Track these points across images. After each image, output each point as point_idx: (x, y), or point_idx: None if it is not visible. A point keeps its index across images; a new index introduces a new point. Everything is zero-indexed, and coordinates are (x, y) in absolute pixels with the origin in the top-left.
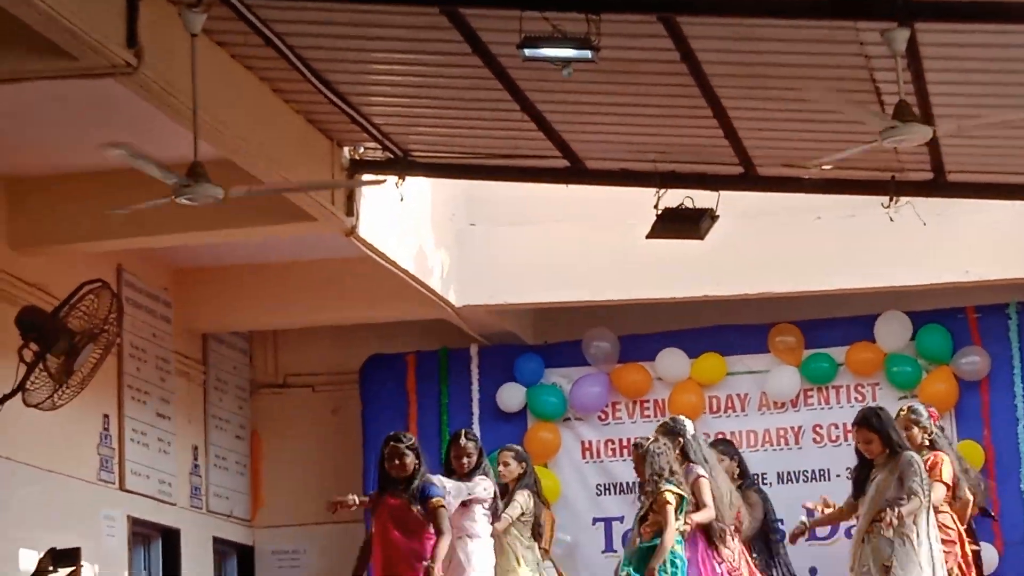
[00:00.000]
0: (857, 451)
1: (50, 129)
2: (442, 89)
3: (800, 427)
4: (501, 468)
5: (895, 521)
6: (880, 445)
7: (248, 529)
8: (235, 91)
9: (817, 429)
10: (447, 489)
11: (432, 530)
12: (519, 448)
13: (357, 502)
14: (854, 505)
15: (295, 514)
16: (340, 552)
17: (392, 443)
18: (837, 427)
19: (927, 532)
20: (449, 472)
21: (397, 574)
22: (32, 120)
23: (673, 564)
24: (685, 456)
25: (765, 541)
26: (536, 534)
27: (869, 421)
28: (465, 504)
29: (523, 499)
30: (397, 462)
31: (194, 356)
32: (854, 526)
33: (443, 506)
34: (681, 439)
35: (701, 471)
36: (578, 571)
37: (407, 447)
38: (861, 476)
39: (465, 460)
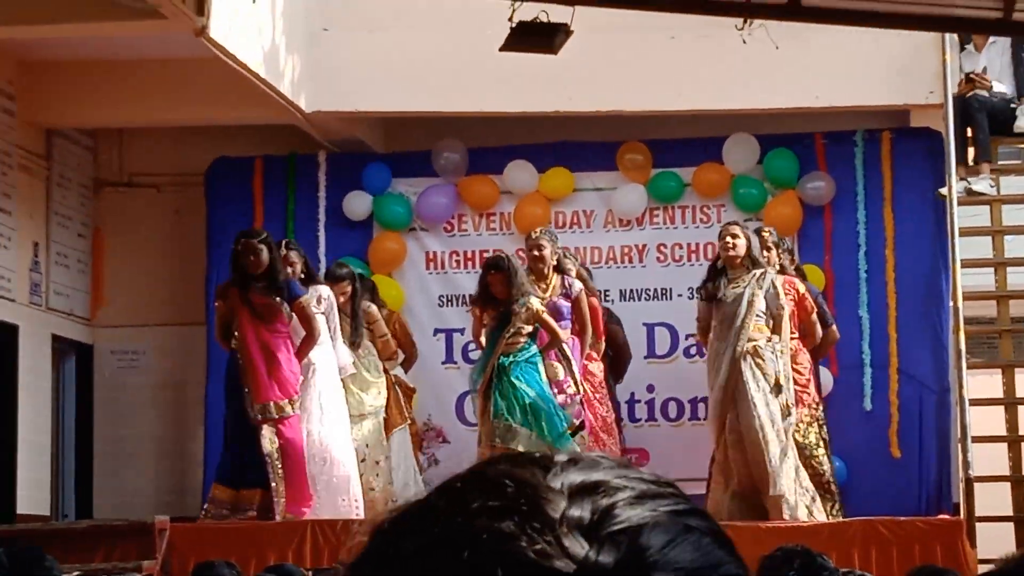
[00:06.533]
0: (712, 264)
1: None
2: None
3: (644, 245)
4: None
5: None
6: (745, 250)
7: (88, 328)
8: None
9: (661, 248)
10: (324, 295)
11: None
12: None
13: None
14: None
15: (136, 314)
16: (179, 353)
17: (244, 239)
18: (681, 247)
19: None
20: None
21: (271, 373)
22: None
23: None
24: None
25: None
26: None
27: (737, 222)
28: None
29: None
30: (252, 258)
31: (37, 151)
32: (693, 346)
33: (309, 306)
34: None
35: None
36: (419, 380)
37: (260, 241)
38: (714, 284)
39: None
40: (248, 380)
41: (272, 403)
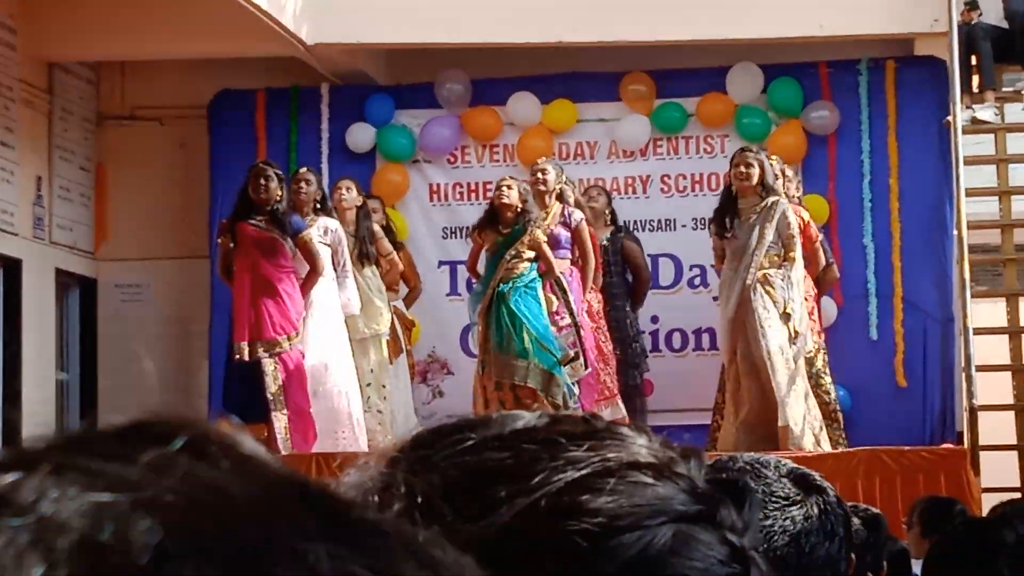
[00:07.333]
0: (727, 190)
1: None
2: None
3: (648, 176)
4: (344, 193)
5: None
6: (759, 179)
7: (91, 262)
8: None
9: (665, 179)
10: (333, 230)
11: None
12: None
13: None
14: None
15: (139, 248)
16: (183, 287)
17: (260, 165)
18: (685, 177)
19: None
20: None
21: (262, 308)
22: None
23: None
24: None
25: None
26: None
27: (751, 148)
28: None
29: None
30: (263, 182)
31: (39, 85)
32: (697, 276)
33: (312, 240)
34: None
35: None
36: (424, 313)
37: (274, 172)
38: (726, 215)
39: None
40: (234, 316)
41: (255, 342)
